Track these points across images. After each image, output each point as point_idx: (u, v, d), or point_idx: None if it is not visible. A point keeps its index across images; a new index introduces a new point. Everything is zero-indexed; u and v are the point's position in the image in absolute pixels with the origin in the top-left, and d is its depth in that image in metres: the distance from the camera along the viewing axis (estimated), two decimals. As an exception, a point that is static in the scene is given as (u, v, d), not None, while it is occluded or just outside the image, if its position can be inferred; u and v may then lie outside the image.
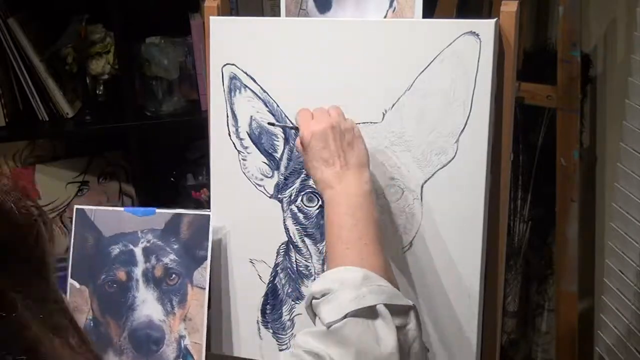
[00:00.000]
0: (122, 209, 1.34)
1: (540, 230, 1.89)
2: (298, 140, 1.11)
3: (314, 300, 0.94)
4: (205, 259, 1.28)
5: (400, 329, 0.89)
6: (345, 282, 0.90)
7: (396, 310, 0.89)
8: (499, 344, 1.28)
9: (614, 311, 1.67)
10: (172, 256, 1.31)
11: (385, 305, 0.88)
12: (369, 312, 0.88)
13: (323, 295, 0.92)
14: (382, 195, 1.20)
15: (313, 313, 0.95)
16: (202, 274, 1.29)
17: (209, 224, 1.29)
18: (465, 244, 1.17)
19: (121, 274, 1.30)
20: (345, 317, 0.87)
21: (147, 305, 1.30)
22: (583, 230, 1.71)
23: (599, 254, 1.78)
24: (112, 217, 1.32)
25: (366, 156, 1.09)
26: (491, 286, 1.21)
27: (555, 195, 1.65)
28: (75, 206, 1.35)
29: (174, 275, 1.31)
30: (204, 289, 1.29)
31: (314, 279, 1.24)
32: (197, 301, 1.29)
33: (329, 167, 1.05)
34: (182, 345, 1.30)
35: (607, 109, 1.71)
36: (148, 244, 1.31)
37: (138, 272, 1.30)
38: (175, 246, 1.31)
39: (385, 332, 0.86)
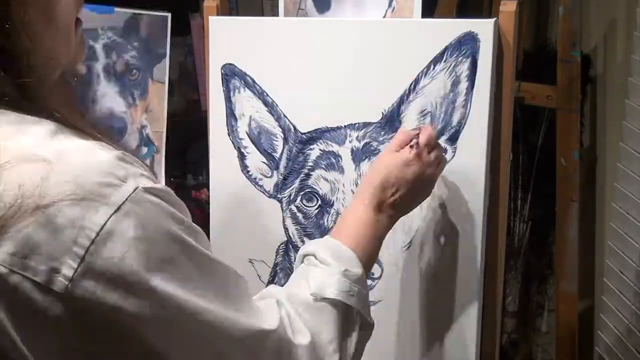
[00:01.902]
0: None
1: (540, 230, 1.88)
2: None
3: (309, 257, 0.92)
4: (164, 56, 1.40)
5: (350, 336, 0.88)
6: (348, 274, 0.89)
7: (363, 323, 0.90)
8: (499, 344, 1.28)
9: (614, 311, 1.66)
10: (133, 53, 1.39)
11: (360, 314, 0.88)
12: (345, 310, 0.87)
13: (322, 263, 0.90)
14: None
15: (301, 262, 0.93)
16: (162, 70, 1.42)
17: (167, 25, 1.39)
18: (465, 244, 1.16)
19: (80, 67, 1.33)
20: (330, 299, 0.86)
21: (108, 98, 1.36)
22: (583, 230, 1.71)
23: (599, 254, 1.78)
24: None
25: (405, 209, 1.05)
26: (491, 286, 1.21)
27: (555, 195, 1.65)
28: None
29: (134, 71, 1.41)
30: (164, 83, 1.42)
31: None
32: (157, 94, 1.41)
33: (392, 195, 1.00)
34: (144, 134, 1.42)
35: (607, 109, 1.71)
36: (108, 41, 1.36)
37: (99, 67, 1.34)
38: (135, 44, 1.41)
39: (342, 334, 0.86)
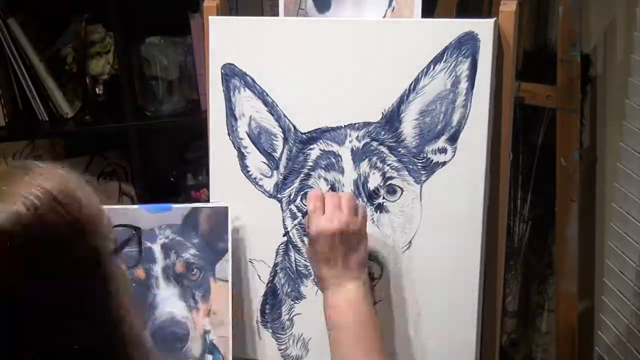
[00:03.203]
0: (136, 206, 1.33)
1: (540, 230, 1.88)
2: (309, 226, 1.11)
3: None
4: (226, 251, 1.27)
5: None
6: None
7: None
8: (499, 344, 1.28)
9: (614, 311, 1.67)
10: (193, 251, 1.29)
11: None
12: None
13: None
14: (382, 194, 1.20)
15: None
16: (224, 267, 1.28)
17: (227, 216, 1.27)
18: (464, 244, 1.17)
19: (139, 273, 1.28)
20: None
21: (169, 302, 1.28)
22: (583, 230, 1.71)
23: (599, 254, 1.78)
24: (124, 214, 1.28)
25: (367, 256, 1.13)
26: (491, 286, 1.21)
27: (555, 195, 1.65)
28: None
29: (195, 270, 1.29)
30: (227, 281, 1.28)
31: (313, 278, 1.24)
32: (221, 295, 1.28)
33: (331, 268, 1.09)
34: (208, 341, 1.28)
35: (607, 109, 1.71)
36: (167, 240, 1.29)
37: (157, 269, 1.28)
38: (195, 240, 1.29)
39: None
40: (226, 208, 1.28)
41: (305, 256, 1.24)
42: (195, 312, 1.29)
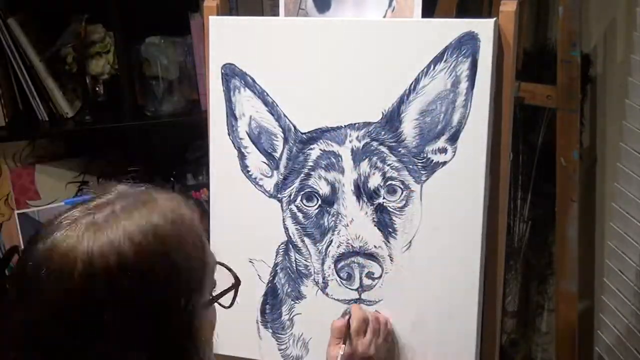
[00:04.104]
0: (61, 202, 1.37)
1: (540, 230, 1.88)
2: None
3: None
4: None
5: None
6: None
7: None
8: (499, 344, 1.28)
9: (614, 311, 1.66)
10: None
11: None
12: None
13: None
14: (382, 194, 1.20)
15: None
16: None
17: None
18: (465, 244, 1.17)
19: None
20: None
21: None
22: (583, 230, 1.71)
23: (599, 254, 1.78)
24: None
25: None
26: (491, 286, 1.21)
27: (555, 195, 1.65)
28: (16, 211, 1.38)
29: None
30: None
31: (313, 278, 1.24)
32: None
33: None
34: None
35: (607, 109, 1.71)
36: None
37: None
38: None
39: None
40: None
41: (306, 256, 1.24)
42: None
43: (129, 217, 0.73)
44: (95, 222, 0.73)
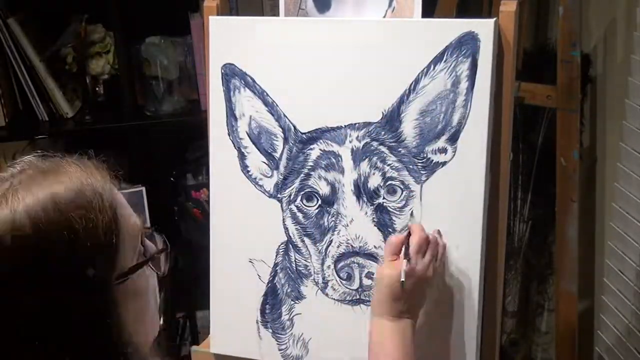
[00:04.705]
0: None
1: (540, 230, 1.88)
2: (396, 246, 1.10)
3: None
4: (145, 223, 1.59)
5: None
6: None
7: None
8: (499, 344, 1.28)
9: (614, 311, 1.67)
10: None
11: None
12: None
13: None
14: (382, 194, 1.20)
15: None
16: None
17: (143, 196, 1.81)
18: (465, 244, 1.16)
19: None
20: None
21: None
22: (583, 230, 1.71)
23: (599, 254, 1.78)
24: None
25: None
26: (491, 286, 1.21)
27: (555, 195, 1.65)
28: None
29: None
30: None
31: (313, 278, 1.24)
32: None
33: (398, 302, 1.08)
34: None
35: (607, 109, 1.71)
36: None
37: None
38: None
39: None
40: (141, 191, 1.70)
41: (306, 256, 1.24)
42: None
43: (28, 190, 0.71)
44: None
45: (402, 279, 1.06)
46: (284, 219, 1.26)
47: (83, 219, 0.71)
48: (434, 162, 1.17)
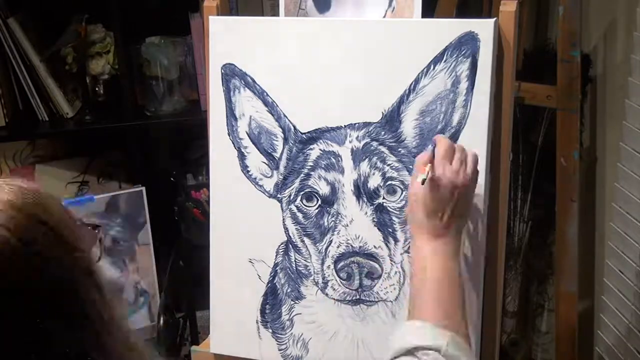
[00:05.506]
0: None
1: (540, 230, 1.88)
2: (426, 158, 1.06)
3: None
4: (145, 222, 1.82)
5: None
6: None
7: None
8: (499, 344, 1.28)
9: (614, 311, 1.66)
10: (118, 228, 1.75)
11: None
12: None
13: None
14: (382, 195, 1.20)
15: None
16: (145, 234, 1.82)
17: (142, 197, 1.79)
18: (465, 244, 1.16)
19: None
20: None
21: (107, 270, 1.53)
22: (583, 230, 1.71)
23: (599, 254, 1.78)
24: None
25: (467, 218, 1.11)
26: (491, 286, 1.21)
27: (555, 195, 1.65)
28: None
29: (121, 242, 1.81)
30: (148, 244, 1.84)
31: (313, 278, 1.24)
32: (144, 254, 1.84)
33: (433, 219, 1.05)
34: (138, 288, 1.86)
35: (607, 109, 1.71)
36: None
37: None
38: (118, 220, 1.78)
39: None
40: (141, 190, 1.77)
41: (305, 256, 1.24)
42: (125, 272, 1.81)
43: None
44: None
45: (424, 177, 1.02)
46: (283, 219, 1.26)
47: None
48: (434, 162, 1.17)
